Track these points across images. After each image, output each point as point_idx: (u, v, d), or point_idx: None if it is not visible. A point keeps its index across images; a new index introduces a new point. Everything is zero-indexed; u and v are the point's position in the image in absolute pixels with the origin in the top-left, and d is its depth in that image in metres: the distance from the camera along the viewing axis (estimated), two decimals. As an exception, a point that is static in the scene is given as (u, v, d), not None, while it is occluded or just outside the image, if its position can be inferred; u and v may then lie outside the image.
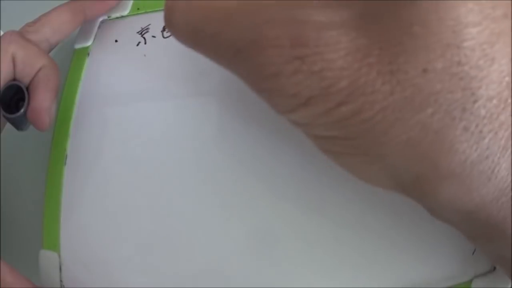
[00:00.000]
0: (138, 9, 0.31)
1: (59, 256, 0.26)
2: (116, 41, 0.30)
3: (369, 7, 0.14)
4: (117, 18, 0.31)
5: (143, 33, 0.30)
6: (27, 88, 0.26)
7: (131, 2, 0.31)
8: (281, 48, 0.15)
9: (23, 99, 0.26)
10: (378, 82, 0.14)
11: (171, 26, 0.19)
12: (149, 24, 0.30)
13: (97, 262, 0.26)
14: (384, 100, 0.14)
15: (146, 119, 0.28)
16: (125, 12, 0.31)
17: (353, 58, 0.14)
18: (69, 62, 0.30)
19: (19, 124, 0.27)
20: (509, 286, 0.23)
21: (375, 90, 0.14)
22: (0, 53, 0.25)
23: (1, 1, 0.34)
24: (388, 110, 0.14)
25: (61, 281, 0.26)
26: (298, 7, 0.15)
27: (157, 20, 0.30)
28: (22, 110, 0.25)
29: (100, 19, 0.31)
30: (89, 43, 0.30)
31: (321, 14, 0.15)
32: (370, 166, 0.16)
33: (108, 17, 0.31)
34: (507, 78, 0.14)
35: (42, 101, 0.26)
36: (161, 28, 0.30)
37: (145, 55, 0.29)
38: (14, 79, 0.26)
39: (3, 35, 0.26)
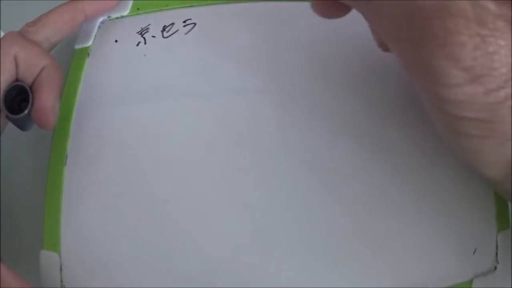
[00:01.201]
0: (138, 9, 0.31)
1: (60, 256, 0.26)
2: (116, 41, 0.30)
3: None
4: (117, 18, 0.31)
5: (143, 33, 0.30)
6: (30, 88, 0.26)
7: (131, 2, 0.31)
8: (468, 21, 0.16)
9: (25, 100, 0.26)
10: None
11: None
12: (149, 24, 0.30)
13: (98, 262, 0.26)
14: None
15: (146, 118, 0.28)
16: (125, 12, 0.31)
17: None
18: (69, 62, 0.30)
19: (22, 125, 0.26)
20: (510, 286, 0.23)
21: None
22: (1, 54, 0.25)
23: (1, 1, 0.34)
24: None
25: (61, 281, 0.26)
26: None
27: (157, 20, 0.30)
28: (26, 111, 0.25)
29: (100, 19, 0.31)
30: (89, 43, 0.30)
31: (493, 4, 0.16)
32: (494, 149, 0.17)
33: (108, 17, 0.31)
34: None
35: (46, 101, 0.26)
36: (161, 28, 0.30)
37: (145, 55, 0.29)
38: (17, 80, 0.26)
39: (4, 36, 0.26)
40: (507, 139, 0.17)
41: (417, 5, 0.17)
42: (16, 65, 0.26)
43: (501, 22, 0.16)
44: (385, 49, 0.23)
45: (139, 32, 0.30)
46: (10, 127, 0.27)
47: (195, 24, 0.29)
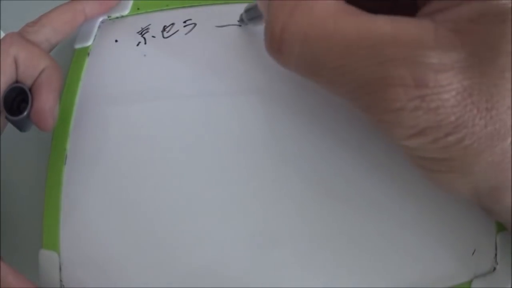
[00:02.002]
0: (138, 9, 0.31)
1: (59, 256, 0.26)
2: (116, 41, 0.30)
3: (472, 52, 0.17)
4: (117, 18, 0.31)
5: (143, 33, 0.30)
6: (30, 90, 0.26)
7: (131, 2, 0.31)
8: (406, 87, 0.17)
9: (25, 101, 0.26)
10: (477, 117, 0.17)
11: (280, 54, 0.20)
12: (149, 24, 0.30)
13: (97, 262, 0.26)
14: (480, 132, 0.17)
15: (146, 119, 0.28)
16: (125, 12, 0.31)
17: (461, 97, 0.17)
18: (69, 62, 0.30)
19: (22, 126, 0.27)
20: (509, 286, 0.23)
21: (475, 124, 0.17)
22: (1, 55, 0.25)
23: (1, 1, 0.34)
24: (482, 139, 0.17)
25: (61, 281, 0.26)
26: (416, 47, 0.17)
27: (157, 20, 0.30)
28: (25, 112, 0.25)
29: (100, 19, 0.31)
30: (89, 43, 0.30)
31: (437, 56, 0.17)
32: (458, 180, 0.19)
33: (108, 17, 0.31)
34: None
35: (46, 102, 0.26)
36: (161, 28, 0.30)
37: (145, 55, 0.29)
38: (17, 81, 0.26)
39: (4, 36, 0.26)
40: (467, 173, 0.18)
41: (361, 82, 0.18)
42: (16, 66, 0.26)
43: (444, 75, 0.17)
44: None
45: (139, 32, 0.30)
46: (10, 127, 0.27)
47: (195, 24, 0.29)
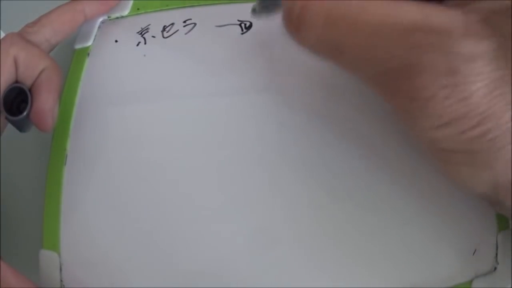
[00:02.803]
0: (138, 9, 0.31)
1: (59, 256, 0.26)
2: (116, 41, 0.30)
3: (500, 44, 0.17)
4: (117, 18, 0.31)
5: (143, 33, 0.30)
6: (30, 90, 0.26)
7: (131, 2, 0.31)
8: (437, 75, 0.17)
9: (24, 101, 0.26)
10: (503, 110, 0.17)
11: (298, 32, 0.19)
12: (149, 24, 0.30)
13: (98, 262, 0.26)
14: (505, 125, 0.17)
15: (146, 119, 0.28)
16: (125, 12, 0.31)
17: (489, 89, 0.17)
18: (69, 62, 0.30)
19: (21, 126, 0.27)
20: (510, 286, 0.23)
21: (501, 117, 0.17)
22: (1, 56, 0.25)
23: (1, 2, 0.34)
24: (507, 133, 0.17)
25: (61, 281, 0.26)
26: (448, 35, 0.17)
27: (157, 20, 0.30)
28: (25, 113, 0.25)
29: (100, 19, 0.31)
30: (89, 43, 0.30)
31: (468, 45, 0.16)
32: (479, 174, 0.18)
33: (108, 17, 0.31)
34: None
35: (45, 103, 0.26)
36: (161, 28, 0.30)
37: (145, 55, 0.29)
38: (16, 81, 0.26)
39: (4, 37, 0.26)
40: (489, 167, 0.18)
41: (387, 67, 0.18)
42: (16, 67, 0.26)
43: (475, 64, 0.17)
44: None
45: (139, 32, 0.30)
46: (10, 127, 0.27)
47: (195, 24, 0.29)
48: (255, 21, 0.29)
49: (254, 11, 0.27)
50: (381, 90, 0.19)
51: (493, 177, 0.18)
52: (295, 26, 0.19)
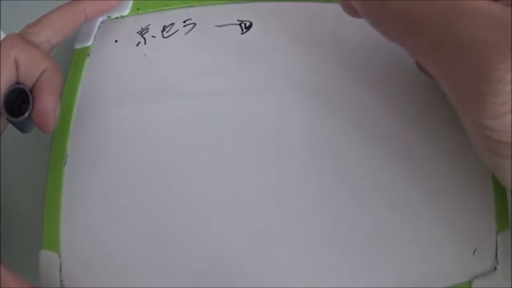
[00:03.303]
0: (138, 9, 0.31)
1: (59, 256, 0.26)
2: (116, 41, 0.30)
3: None
4: (117, 18, 0.31)
5: (143, 33, 0.30)
6: (31, 91, 0.26)
7: (131, 2, 0.31)
8: (507, 57, 0.17)
9: (25, 102, 0.26)
10: None
11: (381, 8, 0.20)
12: (149, 24, 0.30)
13: (98, 262, 0.26)
14: None
15: (146, 118, 0.28)
16: (125, 12, 0.31)
17: None
18: (69, 62, 0.30)
19: (23, 127, 0.27)
20: (510, 286, 0.23)
21: None
22: (2, 57, 0.25)
23: (1, 2, 0.34)
24: None
25: (61, 281, 0.26)
26: (509, 26, 0.17)
27: (157, 20, 0.30)
28: (26, 114, 0.25)
29: (100, 19, 0.31)
30: (89, 43, 0.30)
31: None
32: None
33: (108, 17, 0.31)
34: None
35: (47, 104, 0.26)
36: (161, 28, 0.30)
37: (145, 55, 0.29)
38: (17, 82, 0.26)
39: (5, 38, 0.26)
40: None
41: (461, 45, 0.18)
42: (17, 68, 0.26)
43: None
44: (424, 71, 0.24)
45: (139, 32, 0.30)
46: (10, 127, 0.27)
47: (195, 24, 0.30)
48: (255, 21, 0.29)
49: None
50: (449, 73, 0.19)
51: None
52: (376, 6, 0.20)
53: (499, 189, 0.24)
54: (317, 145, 0.26)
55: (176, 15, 0.30)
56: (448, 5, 0.19)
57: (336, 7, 0.25)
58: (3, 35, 0.33)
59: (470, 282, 0.23)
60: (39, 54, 0.26)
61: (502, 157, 0.19)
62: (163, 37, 0.29)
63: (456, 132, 0.25)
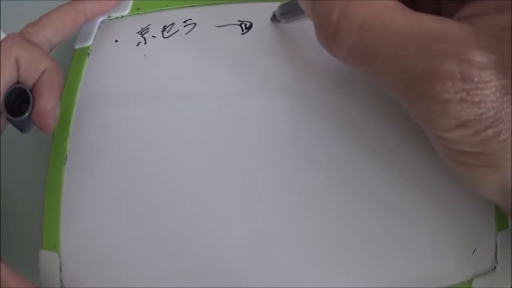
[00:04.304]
0: (138, 9, 0.31)
1: (59, 256, 0.26)
2: (116, 41, 0.30)
3: (507, 56, 0.19)
4: (117, 18, 0.31)
5: (143, 33, 0.30)
6: (31, 91, 0.26)
7: (131, 2, 0.31)
8: (454, 80, 0.18)
9: (25, 101, 0.26)
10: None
11: (334, 41, 0.21)
12: (149, 24, 0.30)
13: (98, 262, 0.26)
14: None
15: (146, 119, 0.28)
16: (125, 12, 0.31)
17: (499, 94, 0.19)
18: (69, 62, 0.30)
19: (22, 127, 0.26)
20: (510, 286, 0.23)
21: (510, 120, 0.19)
22: (3, 56, 0.25)
23: (1, 2, 0.34)
24: None
25: (61, 281, 0.26)
26: (463, 45, 0.19)
27: (157, 20, 0.30)
28: (26, 113, 0.25)
29: (100, 19, 0.31)
30: (89, 43, 0.30)
31: (479, 55, 0.19)
32: (490, 176, 0.20)
33: (108, 17, 0.31)
34: None
35: (47, 104, 0.26)
36: (161, 28, 0.30)
37: (145, 55, 0.29)
38: (18, 82, 0.26)
39: (5, 37, 0.26)
40: (500, 168, 0.20)
41: (412, 73, 0.19)
42: (18, 67, 0.25)
43: (486, 72, 0.18)
44: None
45: (139, 32, 0.30)
46: (10, 127, 0.27)
47: (195, 24, 0.30)
48: (255, 22, 0.29)
49: (274, 18, 0.27)
50: (404, 95, 0.20)
51: (503, 180, 0.20)
52: (332, 35, 0.21)
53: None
54: (318, 147, 0.26)
55: (176, 15, 0.30)
56: (396, 34, 0.19)
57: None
58: (3, 35, 0.33)
59: (470, 281, 0.24)
60: (40, 54, 0.26)
61: (465, 166, 0.20)
62: (164, 37, 0.29)
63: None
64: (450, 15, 0.21)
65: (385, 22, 0.20)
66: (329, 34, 0.21)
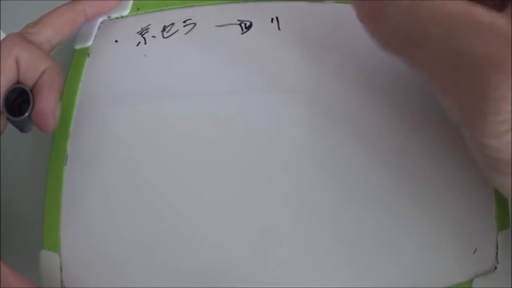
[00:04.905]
0: (138, 9, 0.31)
1: (60, 256, 0.26)
2: (116, 41, 0.30)
3: None
4: (117, 18, 0.31)
5: (143, 33, 0.30)
6: (31, 91, 0.26)
7: (131, 2, 0.31)
8: (508, 74, 0.16)
9: (25, 101, 0.26)
10: None
11: (379, 19, 0.19)
12: (149, 24, 0.30)
13: (98, 262, 0.26)
14: None
15: (146, 119, 0.28)
16: (125, 12, 0.31)
17: None
18: (69, 62, 0.30)
19: (22, 127, 0.26)
20: (510, 285, 0.23)
21: None
22: (3, 56, 0.25)
23: (1, 2, 0.34)
24: None
25: (61, 281, 0.26)
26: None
27: (157, 20, 0.30)
28: (27, 113, 0.25)
29: (100, 19, 0.31)
30: (89, 44, 0.30)
31: None
32: None
33: (108, 17, 0.31)
34: None
35: (47, 104, 0.26)
36: (161, 28, 0.30)
37: (145, 55, 0.29)
38: (18, 82, 0.26)
39: (5, 37, 0.26)
40: None
41: (463, 61, 0.18)
42: (18, 67, 0.25)
43: None
44: None
45: (139, 32, 0.30)
46: (10, 127, 0.27)
47: (195, 24, 0.30)
48: (255, 21, 0.29)
49: None
50: (452, 87, 0.19)
51: None
52: (378, 9, 0.19)
53: (500, 189, 0.24)
54: (316, 147, 0.26)
55: (176, 15, 0.30)
56: (450, 16, 0.18)
57: (338, 8, 0.25)
58: (3, 35, 0.33)
59: (470, 281, 0.24)
60: (40, 54, 0.26)
61: (502, 174, 0.19)
62: (163, 37, 0.29)
63: (457, 134, 0.25)
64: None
65: (436, 4, 0.18)
66: (374, 8, 0.19)
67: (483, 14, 0.18)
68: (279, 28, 0.28)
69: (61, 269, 0.26)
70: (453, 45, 0.18)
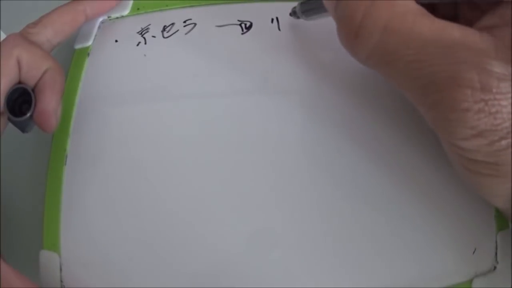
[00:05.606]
0: (138, 9, 0.31)
1: (60, 256, 0.26)
2: (116, 41, 0.30)
3: None
4: (117, 18, 0.31)
5: (143, 33, 0.30)
6: (33, 91, 0.26)
7: (131, 2, 0.31)
8: (474, 90, 0.19)
9: (26, 101, 0.26)
10: None
11: (356, 41, 0.21)
12: (149, 24, 0.30)
13: (98, 262, 0.26)
14: None
15: (146, 119, 0.28)
16: (125, 12, 0.31)
17: None
18: (69, 62, 0.30)
19: (24, 127, 0.26)
20: (510, 285, 0.23)
21: None
22: (4, 56, 0.25)
23: (1, 2, 0.34)
24: None
25: (61, 281, 0.26)
26: (484, 55, 0.19)
27: (157, 20, 0.30)
28: (28, 114, 0.25)
29: (100, 19, 0.31)
30: (89, 43, 0.30)
31: (499, 66, 0.19)
32: (501, 186, 0.20)
33: (108, 17, 0.31)
34: None
35: (49, 104, 0.26)
36: (161, 28, 0.30)
37: (145, 55, 0.29)
38: (19, 82, 0.26)
39: (6, 37, 0.26)
40: (507, 178, 0.20)
41: (432, 79, 0.19)
42: (19, 68, 0.26)
43: (504, 84, 0.19)
44: None
45: (139, 32, 0.30)
46: (10, 127, 0.27)
47: (195, 24, 0.30)
48: (255, 21, 0.29)
49: (294, 13, 0.27)
50: (422, 100, 0.20)
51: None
52: (354, 33, 0.21)
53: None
54: (315, 147, 0.26)
55: (176, 15, 0.30)
56: (420, 38, 0.19)
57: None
58: (3, 35, 0.33)
59: (470, 281, 0.24)
60: (41, 54, 0.26)
61: (477, 175, 0.20)
62: (163, 37, 0.29)
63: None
64: (468, 21, 0.21)
65: (408, 26, 0.20)
66: (351, 33, 0.21)
67: (454, 33, 0.19)
68: (279, 29, 0.29)
69: (60, 269, 0.26)
70: (423, 65, 0.19)
